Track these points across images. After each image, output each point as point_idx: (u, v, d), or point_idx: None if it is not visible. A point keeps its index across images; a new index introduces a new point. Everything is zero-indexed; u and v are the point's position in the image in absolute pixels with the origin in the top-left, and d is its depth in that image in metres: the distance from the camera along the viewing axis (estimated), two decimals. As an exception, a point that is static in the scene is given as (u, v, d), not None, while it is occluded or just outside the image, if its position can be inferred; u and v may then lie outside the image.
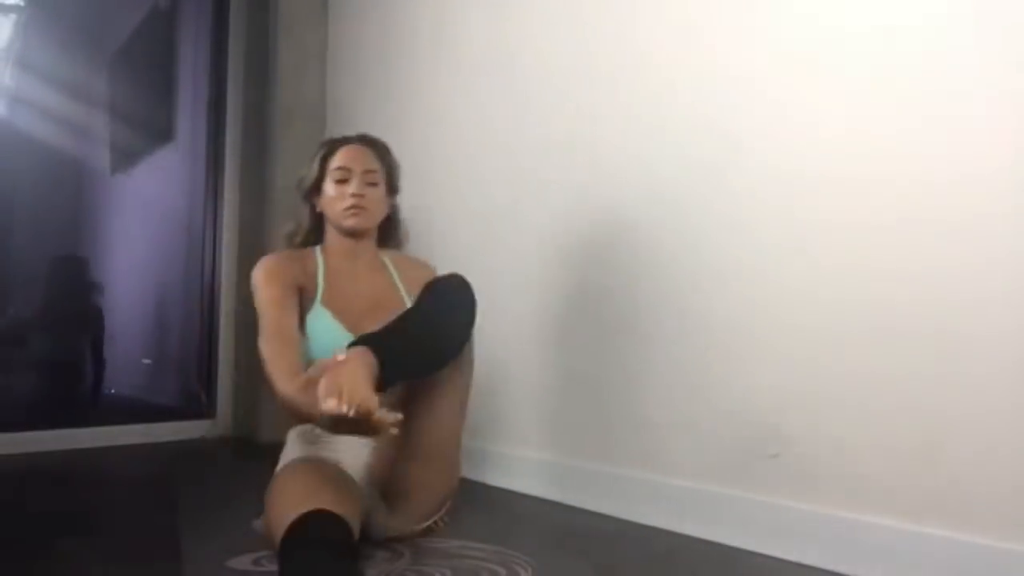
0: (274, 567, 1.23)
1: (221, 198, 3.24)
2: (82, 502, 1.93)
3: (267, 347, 1.47)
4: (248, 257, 3.18)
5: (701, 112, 1.69)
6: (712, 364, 1.63)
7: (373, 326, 1.35)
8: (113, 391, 4.03)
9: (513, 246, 2.15)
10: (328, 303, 1.58)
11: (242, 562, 1.36)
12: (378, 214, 1.67)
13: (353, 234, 1.64)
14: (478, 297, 1.47)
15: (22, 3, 4.65)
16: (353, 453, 1.50)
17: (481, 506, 1.83)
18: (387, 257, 1.72)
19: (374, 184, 1.64)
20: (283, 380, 1.41)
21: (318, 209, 1.67)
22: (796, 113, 1.51)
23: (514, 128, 2.18)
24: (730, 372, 1.59)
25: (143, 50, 4.23)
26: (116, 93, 4.47)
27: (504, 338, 2.10)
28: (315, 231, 1.71)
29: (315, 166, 1.65)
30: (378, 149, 1.69)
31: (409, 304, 1.55)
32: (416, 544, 1.48)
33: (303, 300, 1.57)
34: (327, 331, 1.53)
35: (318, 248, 1.68)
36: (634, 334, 1.80)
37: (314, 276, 1.61)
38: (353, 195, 1.60)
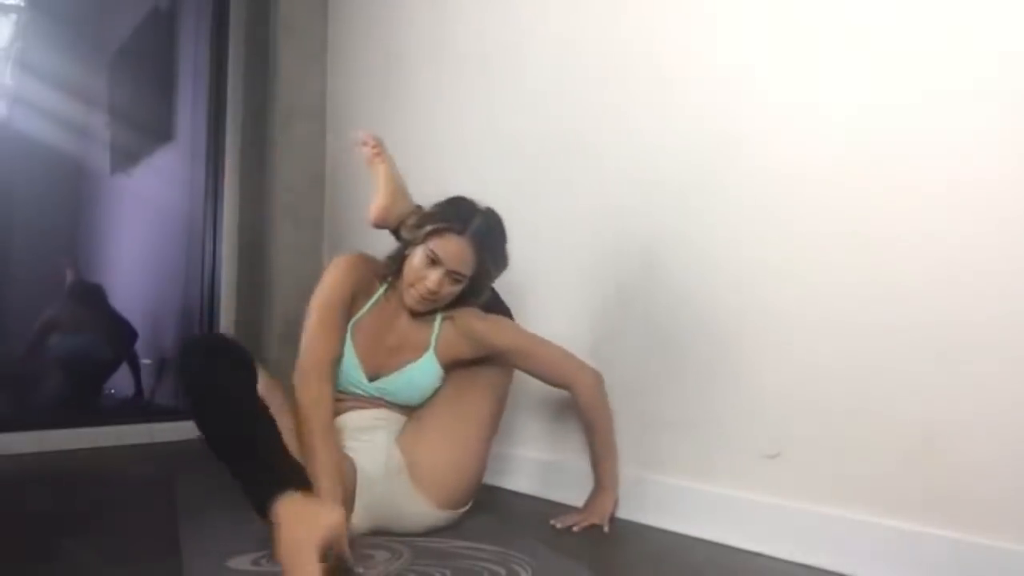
0: (274, 568, 1.24)
1: (221, 198, 3.24)
2: (82, 502, 1.93)
3: (308, 337, 1.54)
4: (248, 257, 3.18)
5: (706, 115, 1.69)
6: (712, 365, 1.63)
7: (391, 364, 1.61)
8: (113, 391, 4.03)
9: (513, 247, 2.15)
10: (356, 342, 1.62)
11: (242, 562, 1.36)
12: (443, 303, 1.64)
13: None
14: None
15: (22, 3, 4.64)
16: (370, 456, 1.56)
17: (481, 506, 1.83)
18: (444, 314, 1.68)
19: (457, 282, 1.61)
20: (302, 383, 1.49)
21: (406, 252, 1.65)
22: (801, 114, 1.51)
23: (516, 127, 2.18)
24: (730, 373, 1.59)
25: (143, 50, 4.23)
26: (116, 93, 4.47)
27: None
28: (396, 261, 1.68)
29: (423, 232, 1.60)
30: (485, 252, 1.62)
31: (432, 352, 1.64)
32: (416, 544, 1.48)
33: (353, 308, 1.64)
34: (347, 366, 1.61)
35: (385, 286, 1.68)
36: (634, 335, 1.80)
37: (363, 304, 1.65)
38: (429, 288, 1.58)
